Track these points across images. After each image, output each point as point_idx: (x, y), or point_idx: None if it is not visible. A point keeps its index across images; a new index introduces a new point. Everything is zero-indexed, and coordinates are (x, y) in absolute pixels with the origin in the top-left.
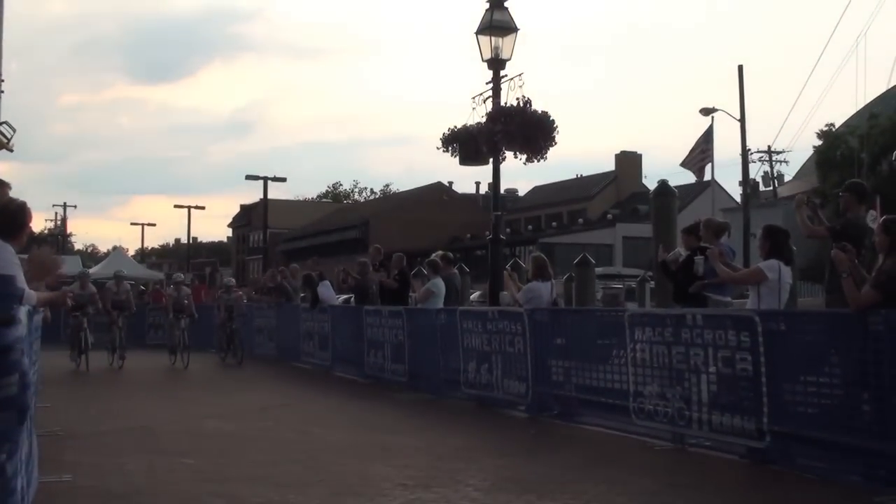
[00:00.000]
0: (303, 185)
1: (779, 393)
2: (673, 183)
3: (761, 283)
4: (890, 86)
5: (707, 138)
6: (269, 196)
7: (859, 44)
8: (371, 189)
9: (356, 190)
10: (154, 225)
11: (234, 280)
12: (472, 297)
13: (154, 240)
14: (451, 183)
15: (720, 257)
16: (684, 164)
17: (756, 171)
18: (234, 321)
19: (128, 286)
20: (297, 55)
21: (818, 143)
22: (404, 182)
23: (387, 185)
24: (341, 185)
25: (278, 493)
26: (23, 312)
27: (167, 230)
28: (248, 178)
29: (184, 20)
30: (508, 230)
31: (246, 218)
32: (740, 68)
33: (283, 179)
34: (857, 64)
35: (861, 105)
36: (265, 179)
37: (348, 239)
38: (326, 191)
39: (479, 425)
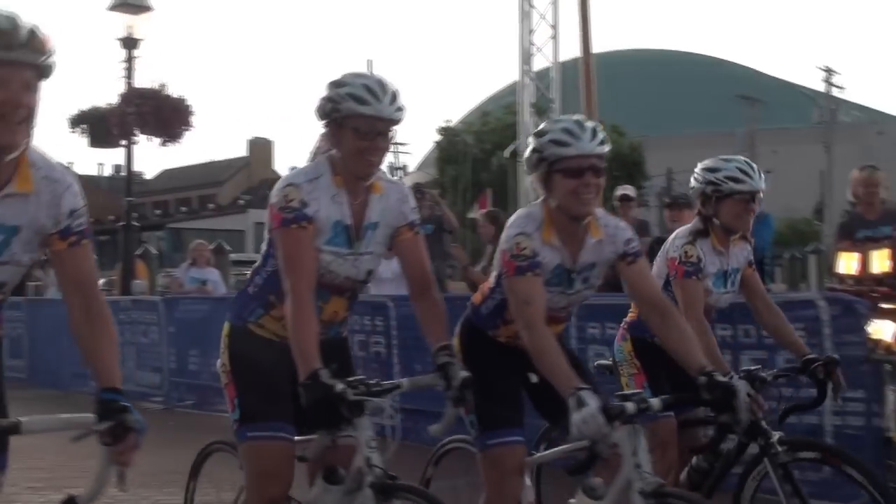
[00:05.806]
0: None
1: None
2: None
3: None
4: (500, 87)
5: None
6: None
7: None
8: None
9: None
10: None
11: None
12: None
13: None
14: (71, 164)
15: None
16: None
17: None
18: None
19: None
20: None
21: (439, 137)
22: None
23: None
24: None
25: None
26: None
27: None
28: None
29: None
30: (135, 214)
31: None
32: (369, 63)
33: None
34: (476, 62)
35: (475, 104)
36: None
37: None
38: None
39: None
